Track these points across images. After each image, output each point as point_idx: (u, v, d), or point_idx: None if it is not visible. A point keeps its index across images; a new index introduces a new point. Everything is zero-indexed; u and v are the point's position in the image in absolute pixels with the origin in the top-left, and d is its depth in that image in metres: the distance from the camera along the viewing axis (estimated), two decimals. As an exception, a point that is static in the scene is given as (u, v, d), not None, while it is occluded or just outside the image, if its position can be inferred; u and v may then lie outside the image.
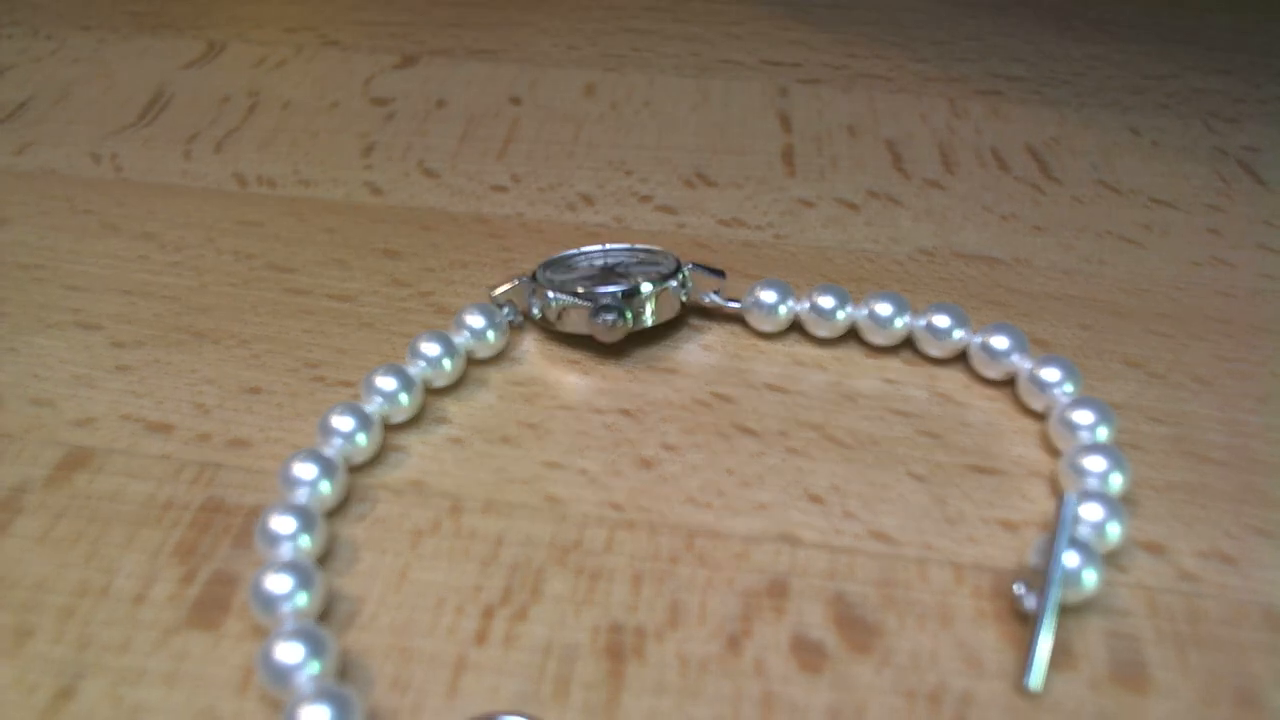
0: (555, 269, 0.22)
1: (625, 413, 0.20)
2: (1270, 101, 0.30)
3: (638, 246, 0.23)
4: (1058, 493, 0.18)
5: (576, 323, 0.21)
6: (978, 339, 0.21)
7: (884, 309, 0.21)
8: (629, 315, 0.21)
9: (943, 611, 0.17)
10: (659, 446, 0.20)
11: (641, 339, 0.22)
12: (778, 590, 0.17)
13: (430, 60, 0.32)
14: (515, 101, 0.30)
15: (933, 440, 0.20)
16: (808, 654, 0.16)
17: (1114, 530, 0.17)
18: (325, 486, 0.18)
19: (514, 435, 0.20)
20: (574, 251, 0.23)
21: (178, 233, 0.25)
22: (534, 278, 0.22)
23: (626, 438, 0.20)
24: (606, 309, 0.21)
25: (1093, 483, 0.18)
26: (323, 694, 0.14)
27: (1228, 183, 0.27)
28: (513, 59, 0.32)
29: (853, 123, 0.29)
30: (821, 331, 0.21)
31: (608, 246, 0.23)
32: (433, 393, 0.21)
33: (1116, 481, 0.18)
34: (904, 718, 0.15)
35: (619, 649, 0.16)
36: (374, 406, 0.19)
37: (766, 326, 0.22)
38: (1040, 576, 0.16)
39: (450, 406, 0.21)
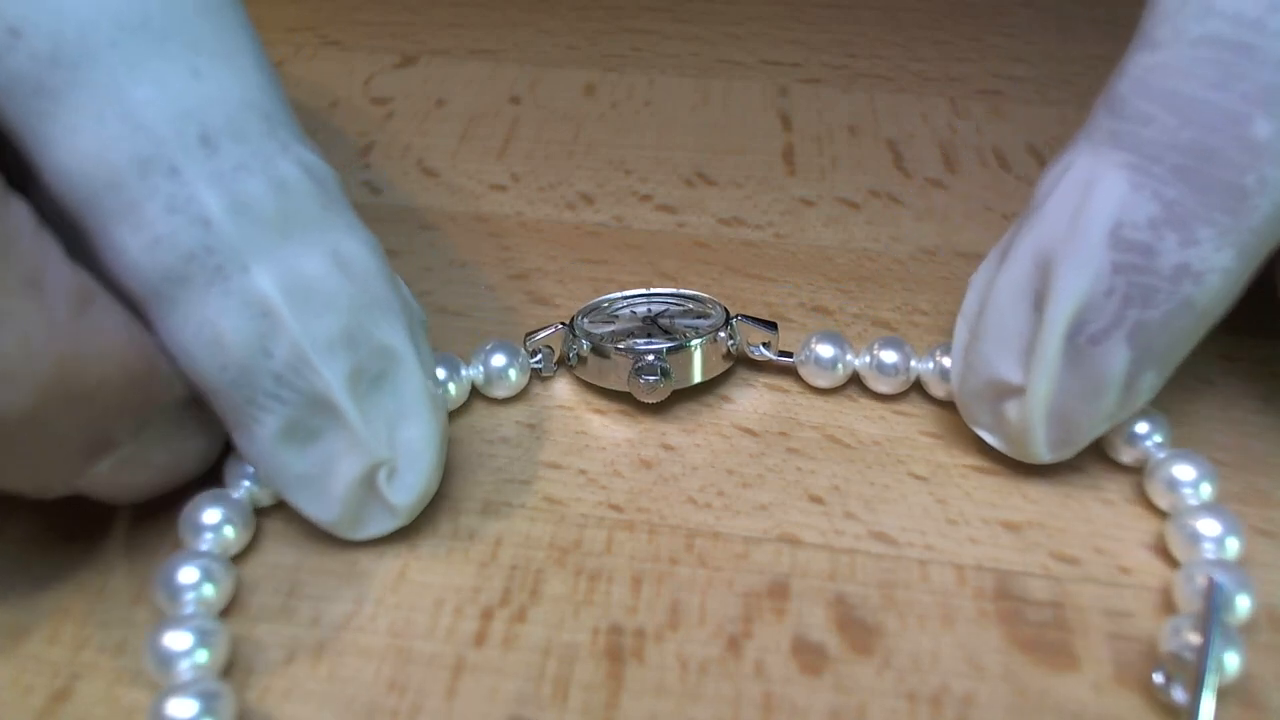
0: (595, 317, 0.21)
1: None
2: (1272, 101, 0.30)
3: (683, 292, 0.21)
4: (1173, 561, 0.17)
5: (616, 378, 0.20)
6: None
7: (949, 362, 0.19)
8: (672, 375, 0.19)
9: (944, 613, 0.17)
10: (659, 447, 0.20)
11: (685, 393, 0.20)
12: (778, 591, 0.17)
13: (430, 60, 0.32)
14: (515, 101, 0.30)
15: (934, 440, 0.20)
16: (808, 655, 0.16)
17: (1244, 604, 0.16)
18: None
19: (513, 436, 0.20)
20: (616, 296, 0.22)
21: (176, 232, 0.25)
22: (571, 325, 0.20)
23: (626, 438, 0.20)
24: (648, 369, 0.19)
25: (1209, 550, 0.17)
26: None
27: (1229, 182, 0.27)
28: (513, 59, 0.32)
29: (853, 122, 0.29)
30: (882, 387, 0.20)
31: (652, 291, 0.22)
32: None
33: (1233, 546, 0.17)
34: (905, 719, 0.15)
35: (618, 650, 0.16)
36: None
37: (822, 382, 0.20)
38: (1180, 663, 0.15)
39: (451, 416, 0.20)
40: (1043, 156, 0.28)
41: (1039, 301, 0.17)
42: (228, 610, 0.17)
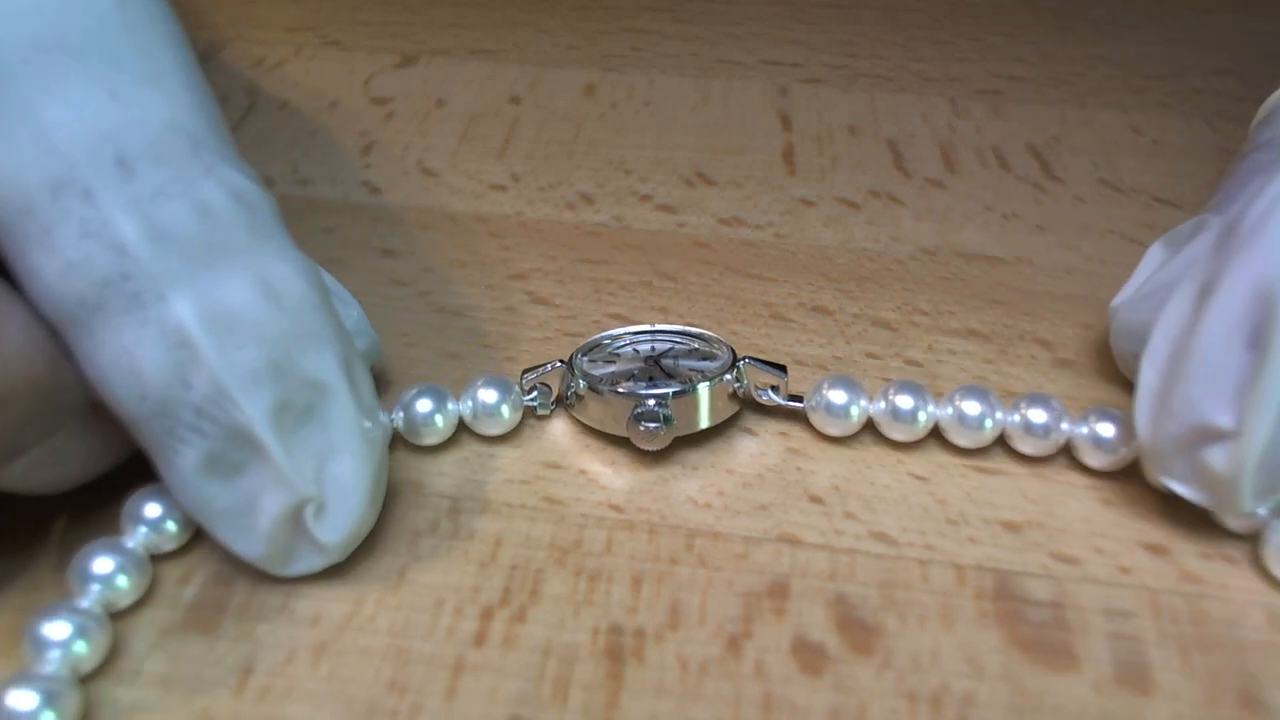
0: (595, 355, 0.20)
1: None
2: (1272, 101, 0.30)
3: (689, 330, 0.20)
4: None
5: (615, 422, 0.19)
6: (1082, 428, 0.19)
7: (971, 407, 0.19)
8: (674, 421, 0.18)
9: (944, 613, 0.17)
10: (659, 447, 0.20)
11: (687, 439, 0.19)
12: (778, 591, 0.17)
13: (430, 60, 0.32)
14: (515, 101, 0.30)
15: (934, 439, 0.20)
16: (808, 655, 0.16)
17: None
18: None
19: (512, 436, 0.20)
20: (619, 332, 0.20)
21: (176, 232, 0.25)
22: (570, 363, 0.20)
23: (626, 438, 0.20)
24: (649, 415, 0.18)
25: None
26: None
27: (1229, 182, 0.27)
28: (513, 59, 0.32)
29: (853, 122, 0.29)
30: (898, 435, 0.19)
31: (655, 328, 0.20)
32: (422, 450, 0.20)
33: None
34: (905, 719, 0.15)
35: (618, 650, 0.16)
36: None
37: (833, 430, 0.19)
38: None
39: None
40: (1043, 156, 0.28)
41: (1255, 339, 0.16)
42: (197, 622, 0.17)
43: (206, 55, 0.32)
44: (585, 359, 0.20)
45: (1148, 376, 0.17)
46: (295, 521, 0.16)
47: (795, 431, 0.20)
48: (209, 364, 0.15)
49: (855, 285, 0.23)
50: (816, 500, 0.19)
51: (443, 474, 0.19)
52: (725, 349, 0.20)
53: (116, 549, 0.17)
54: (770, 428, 0.20)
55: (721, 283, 0.23)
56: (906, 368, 0.21)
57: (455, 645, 0.16)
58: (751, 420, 0.20)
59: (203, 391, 0.15)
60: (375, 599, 0.17)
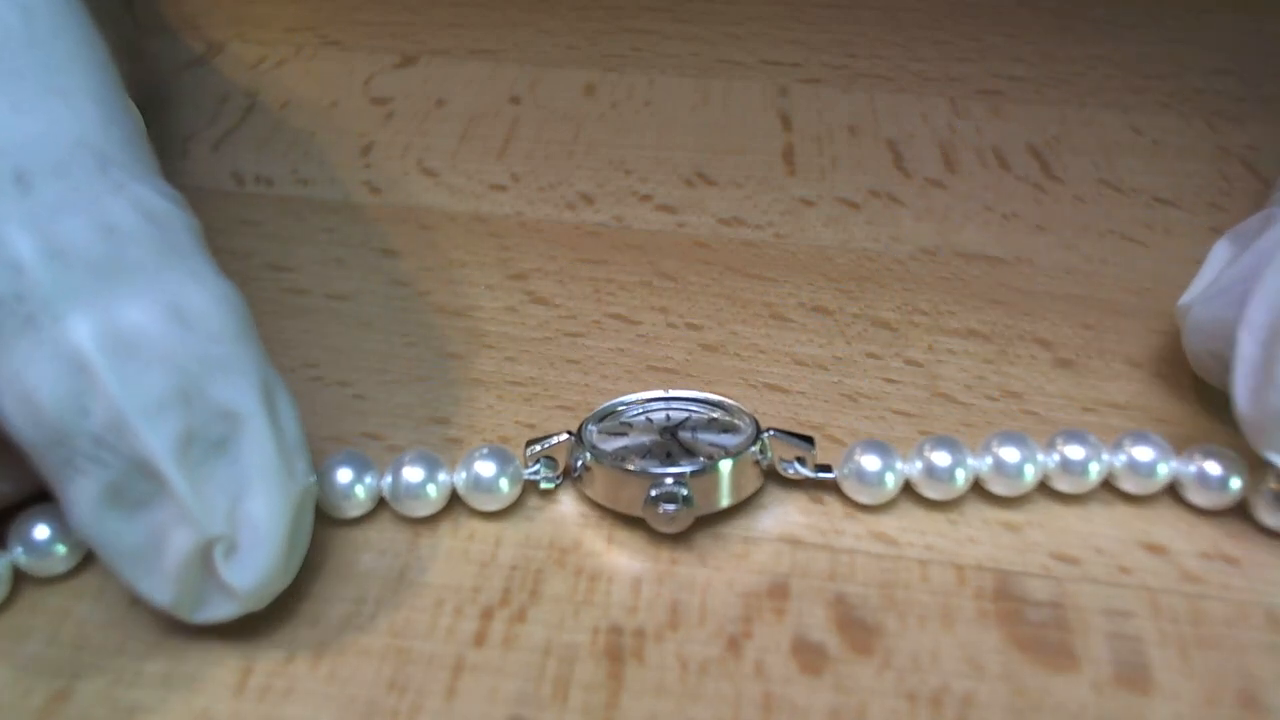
0: (607, 426, 0.18)
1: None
2: (1272, 101, 0.30)
3: (708, 398, 0.19)
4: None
5: (630, 501, 0.18)
6: (1120, 456, 0.18)
7: (1010, 454, 0.18)
8: (694, 502, 0.17)
9: (944, 613, 0.17)
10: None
11: (708, 518, 0.18)
12: (778, 591, 0.17)
13: (430, 60, 0.32)
14: (515, 101, 0.30)
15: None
16: (808, 655, 0.16)
17: None
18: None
19: (512, 435, 0.20)
20: (631, 399, 0.19)
21: (176, 232, 0.25)
22: (580, 435, 0.18)
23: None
24: (667, 496, 0.17)
25: None
26: None
27: (1230, 182, 0.27)
28: (513, 59, 0.32)
29: (853, 122, 0.29)
30: (935, 494, 0.18)
31: (670, 395, 0.19)
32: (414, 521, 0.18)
33: None
34: (905, 719, 0.15)
35: (618, 650, 0.16)
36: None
37: (867, 498, 0.18)
38: None
39: (449, 408, 0.20)
40: (1043, 156, 0.28)
41: None
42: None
43: (206, 55, 0.32)
44: (596, 430, 0.18)
45: (1247, 348, 0.17)
46: (205, 562, 0.15)
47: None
48: (108, 390, 0.14)
49: (855, 285, 0.23)
50: (816, 500, 0.19)
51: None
52: (747, 419, 0.18)
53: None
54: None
55: (721, 283, 0.23)
56: (906, 367, 0.21)
57: (455, 645, 0.16)
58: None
59: (102, 419, 0.14)
60: (375, 599, 0.17)
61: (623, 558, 0.18)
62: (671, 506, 0.17)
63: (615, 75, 0.31)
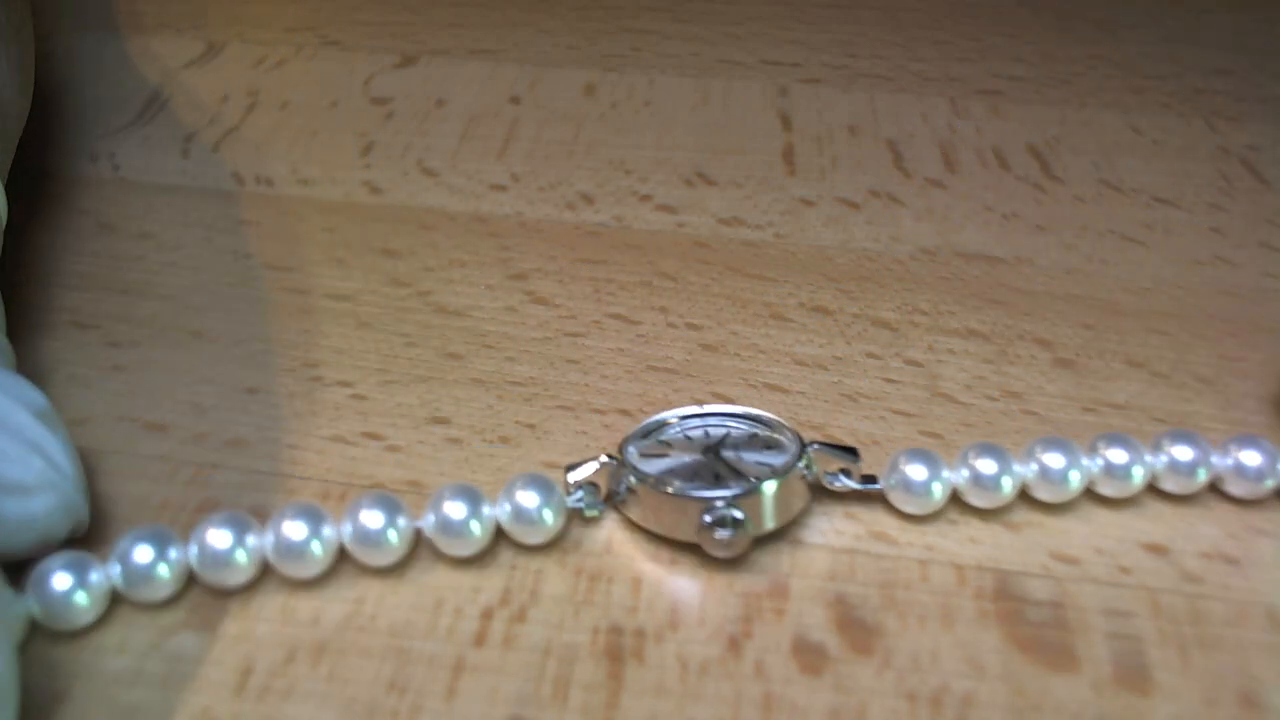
0: (646, 446, 0.18)
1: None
2: (1272, 101, 0.30)
3: (748, 412, 0.18)
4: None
5: (679, 526, 0.17)
6: (1161, 459, 0.18)
7: (1055, 460, 0.18)
8: (749, 525, 0.16)
9: (944, 613, 0.17)
10: (659, 447, 0.20)
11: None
12: (778, 591, 0.17)
13: (430, 60, 0.32)
14: (515, 101, 0.30)
15: (935, 440, 0.20)
16: (808, 655, 0.16)
17: None
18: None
19: (513, 435, 0.20)
20: (667, 416, 0.19)
21: (175, 232, 0.25)
22: (619, 458, 0.18)
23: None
24: (722, 521, 0.16)
25: None
26: None
27: (1230, 182, 0.27)
28: (513, 59, 0.32)
29: (853, 122, 0.29)
30: (982, 502, 0.18)
31: (706, 410, 0.18)
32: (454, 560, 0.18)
33: None
34: (905, 719, 0.15)
35: (618, 650, 0.16)
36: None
37: (914, 509, 0.18)
38: None
39: (449, 408, 0.20)
40: (1043, 156, 0.28)
41: None
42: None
43: (206, 55, 0.32)
44: (635, 450, 0.18)
45: None
46: None
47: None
48: None
49: (855, 285, 0.23)
50: (816, 500, 0.18)
51: (442, 474, 0.19)
52: (789, 434, 0.18)
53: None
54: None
55: (721, 283, 0.23)
56: (906, 367, 0.21)
57: (455, 645, 0.16)
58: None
59: None
60: (375, 599, 0.17)
61: (623, 558, 0.18)
62: (727, 532, 0.16)
63: (615, 75, 0.31)
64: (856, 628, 0.17)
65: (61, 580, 0.16)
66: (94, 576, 0.16)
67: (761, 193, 0.26)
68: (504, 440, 0.20)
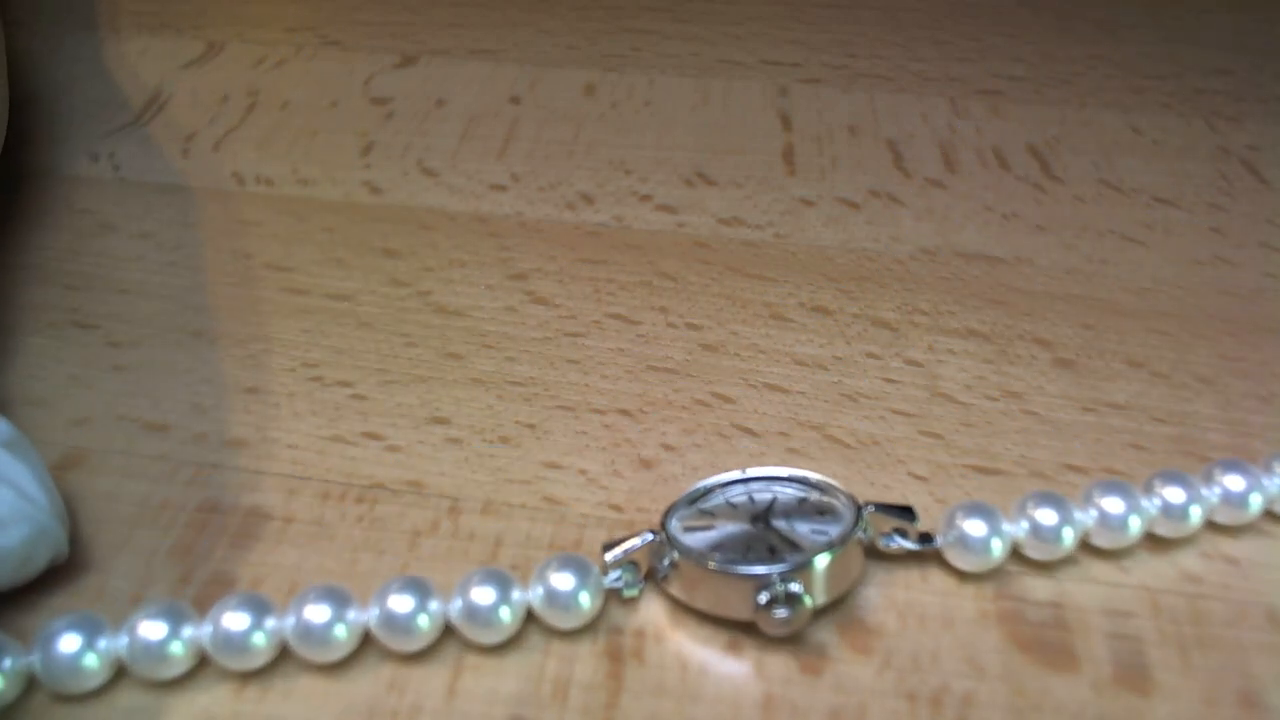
0: (689, 518, 0.17)
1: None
2: (1272, 101, 0.30)
3: (795, 474, 0.17)
4: None
5: (730, 603, 0.16)
6: (1215, 490, 0.17)
7: (1113, 505, 0.17)
8: (808, 601, 0.15)
9: (944, 613, 0.17)
10: (659, 446, 0.20)
11: None
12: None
13: (430, 60, 0.32)
14: (515, 101, 0.30)
15: (934, 440, 0.20)
16: (809, 655, 0.16)
17: None
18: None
19: (513, 435, 0.20)
20: (709, 484, 0.17)
21: (175, 232, 0.25)
22: (663, 532, 0.16)
23: (626, 438, 0.20)
24: (781, 600, 0.15)
25: None
26: None
27: (1230, 182, 0.27)
28: (513, 59, 0.32)
29: (853, 122, 0.29)
30: (1041, 555, 0.17)
31: (749, 476, 0.17)
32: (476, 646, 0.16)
33: None
34: (905, 719, 0.15)
35: (618, 650, 0.16)
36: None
37: (972, 566, 0.17)
38: None
39: (449, 408, 0.20)
40: (1043, 156, 0.28)
41: None
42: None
43: (206, 55, 0.32)
44: (679, 523, 0.17)
45: None
46: None
47: (794, 432, 0.20)
48: None
49: (855, 285, 0.23)
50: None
51: (443, 474, 0.19)
52: (841, 495, 0.17)
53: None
54: (765, 443, 0.20)
55: (721, 283, 0.23)
56: (906, 367, 0.21)
57: (455, 645, 0.16)
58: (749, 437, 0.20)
59: None
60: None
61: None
62: (784, 613, 0.15)
63: (615, 75, 0.31)
64: (856, 628, 0.17)
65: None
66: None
67: (761, 193, 0.26)
68: (504, 440, 0.20)
